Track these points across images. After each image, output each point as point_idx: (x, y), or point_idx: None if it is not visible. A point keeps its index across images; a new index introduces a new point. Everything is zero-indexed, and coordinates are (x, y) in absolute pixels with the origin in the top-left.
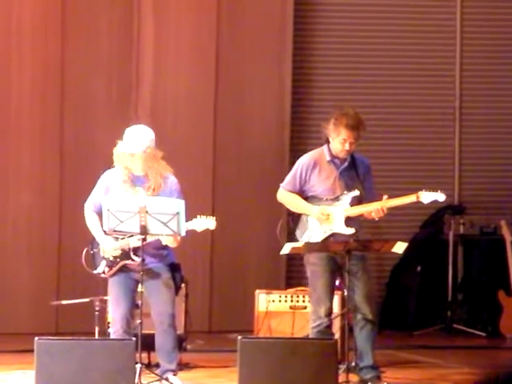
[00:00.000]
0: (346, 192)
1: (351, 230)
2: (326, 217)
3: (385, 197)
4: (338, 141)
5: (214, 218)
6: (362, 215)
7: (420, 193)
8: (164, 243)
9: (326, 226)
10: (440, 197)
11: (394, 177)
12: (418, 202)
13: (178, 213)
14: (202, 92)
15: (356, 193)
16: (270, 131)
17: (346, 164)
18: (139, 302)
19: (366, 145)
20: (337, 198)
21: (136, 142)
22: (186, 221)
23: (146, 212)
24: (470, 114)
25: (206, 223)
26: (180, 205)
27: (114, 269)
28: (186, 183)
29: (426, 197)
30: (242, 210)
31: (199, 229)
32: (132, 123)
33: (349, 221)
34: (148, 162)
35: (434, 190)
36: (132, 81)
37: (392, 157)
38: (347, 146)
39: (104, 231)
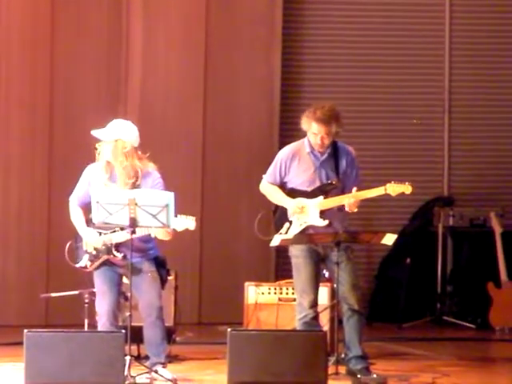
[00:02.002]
0: (324, 182)
1: (325, 222)
2: (300, 210)
3: (354, 189)
4: (310, 134)
5: (194, 218)
6: (343, 206)
7: (388, 185)
8: (153, 235)
9: (302, 218)
10: (407, 189)
11: (383, 169)
12: (386, 195)
13: (167, 205)
14: (192, 85)
15: (332, 184)
16: (260, 122)
17: (326, 155)
18: (128, 295)
19: (355, 137)
20: (314, 191)
21: (109, 131)
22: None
23: (136, 204)
24: (459, 107)
25: (185, 223)
26: (169, 197)
27: (96, 263)
28: (175, 176)
29: (394, 189)
30: (232, 201)
31: (179, 228)
32: (121, 117)
33: (326, 213)
34: (117, 154)
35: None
36: (121, 74)
37: (381, 149)
38: (318, 140)
39: (93, 224)
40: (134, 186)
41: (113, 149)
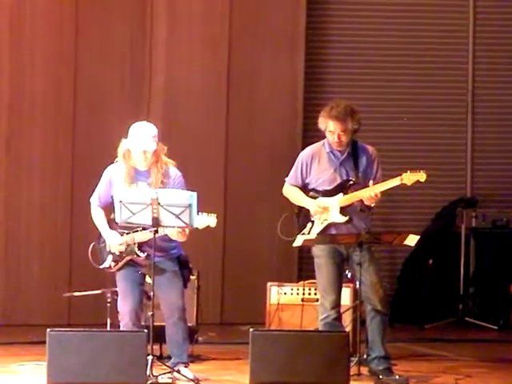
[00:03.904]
0: (343, 180)
1: (344, 218)
2: (321, 210)
3: (370, 182)
4: (327, 133)
5: (215, 215)
6: (365, 207)
7: (404, 175)
8: (173, 238)
9: (323, 216)
10: (421, 177)
11: (405, 170)
12: (403, 185)
13: (190, 205)
14: (215, 85)
15: (351, 180)
16: (283, 122)
17: (346, 154)
18: (151, 294)
19: (377, 137)
20: (334, 189)
21: (149, 140)
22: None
23: (159, 204)
24: (482, 107)
25: (207, 221)
26: (192, 197)
27: (120, 263)
28: (198, 175)
29: (409, 178)
30: (254, 201)
31: (201, 226)
32: (145, 114)
33: (346, 209)
34: (155, 158)
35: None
36: (145, 74)
37: (404, 149)
38: (336, 138)
39: (116, 223)
40: (160, 185)
41: (155, 155)
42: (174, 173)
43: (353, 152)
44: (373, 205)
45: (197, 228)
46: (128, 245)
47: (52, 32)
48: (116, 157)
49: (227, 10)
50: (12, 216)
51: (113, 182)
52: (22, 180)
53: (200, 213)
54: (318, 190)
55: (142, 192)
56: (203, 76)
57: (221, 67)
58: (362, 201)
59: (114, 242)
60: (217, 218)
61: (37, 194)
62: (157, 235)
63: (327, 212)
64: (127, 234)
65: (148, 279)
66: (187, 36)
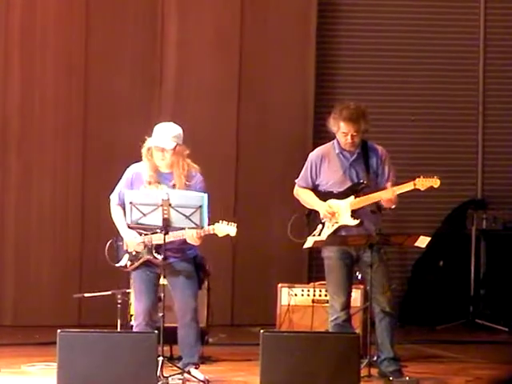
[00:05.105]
0: (355, 182)
1: (356, 222)
2: (331, 213)
3: (388, 184)
4: (340, 134)
5: (236, 224)
6: (376, 203)
7: (417, 180)
8: (189, 241)
9: (334, 219)
10: (435, 183)
11: (416, 171)
12: (418, 193)
13: (200, 206)
14: (226, 85)
15: (362, 183)
16: (294, 123)
17: (356, 155)
18: (161, 295)
19: (388, 139)
20: (344, 191)
21: (167, 138)
22: (209, 224)
23: (169, 205)
24: (493, 109)
25: (227, 229)
26: (203, 198)
27: (136, 263)
28: (208, 177)
29: (422, 183)
30: (265, 203)
31: (220, 234)
32: (155, 117)
33: (357, 212)
34: (175, 159)
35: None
36: (155, 75)
37: (415, 151)
38: (349, 139)
39: (127, 224)
40: (182, 188)
41: (175, 155)
42: (197, 177)
43: (363, 152)
44: (393, 206)
45: (216, 235)
46: (145, 246)
47: (62, 35)
48: (126, 159)
49: (238, 11)
50: (22, 218)
51: (134, 180)
52: (33, 182)
53: (220, 221)
54: (328, 191)
55: (153, 193)
56: (214, 79)
57: (232, 70)
58: (373, 203)
59: (132, 240)
60: (227, 218)
61: (47, 196)
62: (175, 238)
63: (337, 215)
64: (145, 234)
65: (163, 280)
66: (198, 38)
